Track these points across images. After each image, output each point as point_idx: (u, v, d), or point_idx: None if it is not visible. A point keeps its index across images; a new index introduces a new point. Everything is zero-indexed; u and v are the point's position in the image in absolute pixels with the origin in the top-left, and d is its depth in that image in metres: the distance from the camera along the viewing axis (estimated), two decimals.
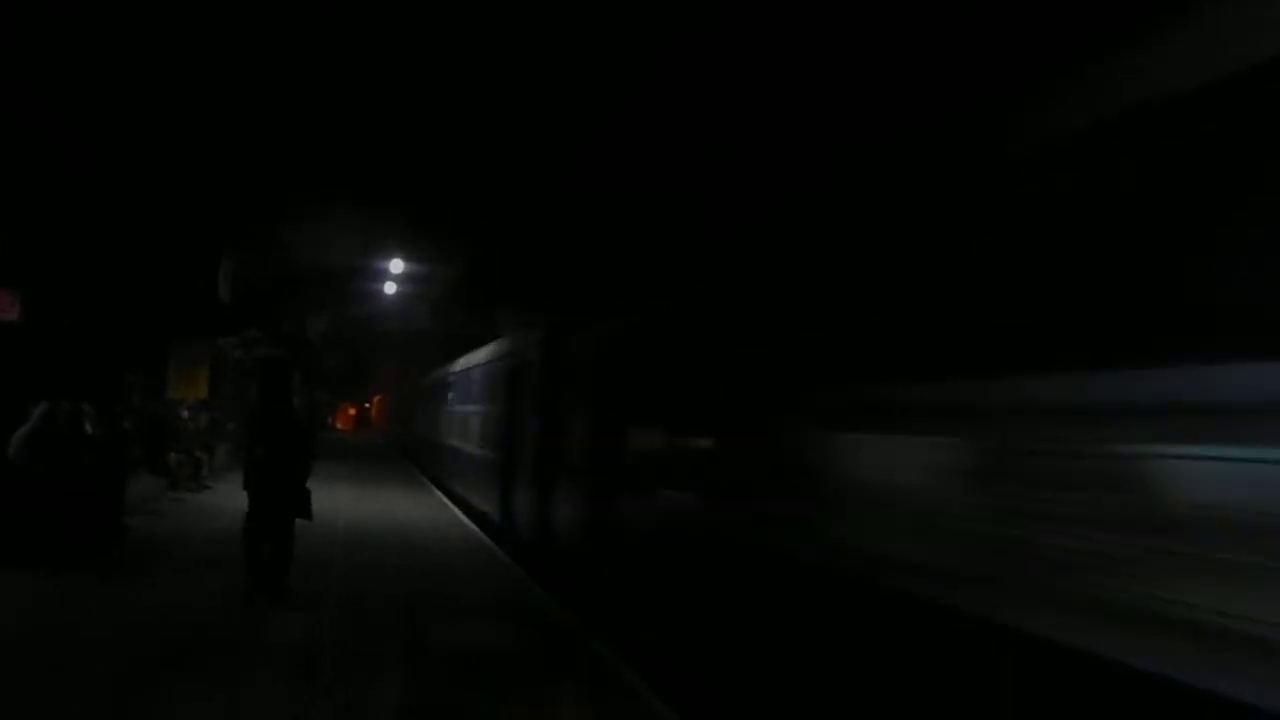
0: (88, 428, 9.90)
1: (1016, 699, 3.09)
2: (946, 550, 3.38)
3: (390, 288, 25.16)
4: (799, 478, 4.49)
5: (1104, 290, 2.85)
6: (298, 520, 7.63)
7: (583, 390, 8.70)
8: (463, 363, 17.78)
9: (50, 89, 9.82)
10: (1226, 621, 2.36)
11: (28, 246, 11.70)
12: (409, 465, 25.87)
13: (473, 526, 13.25)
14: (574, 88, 9.96)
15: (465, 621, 7.19)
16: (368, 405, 62.54)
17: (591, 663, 6.22)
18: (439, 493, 18.19)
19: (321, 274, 22.48)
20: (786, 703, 4.46)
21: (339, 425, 59.27)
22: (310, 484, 7.74)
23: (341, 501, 14.45)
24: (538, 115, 10.82)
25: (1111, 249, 2.85)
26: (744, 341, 5.26)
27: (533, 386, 10.67)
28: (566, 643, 6.72)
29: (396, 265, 21.82)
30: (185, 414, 16.02)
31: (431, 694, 5.29)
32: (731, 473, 5.26)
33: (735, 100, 9.26)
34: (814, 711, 4.22)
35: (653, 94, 9.60)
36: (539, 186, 13.26)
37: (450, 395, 18.96)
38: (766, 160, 9.79)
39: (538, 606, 8.05)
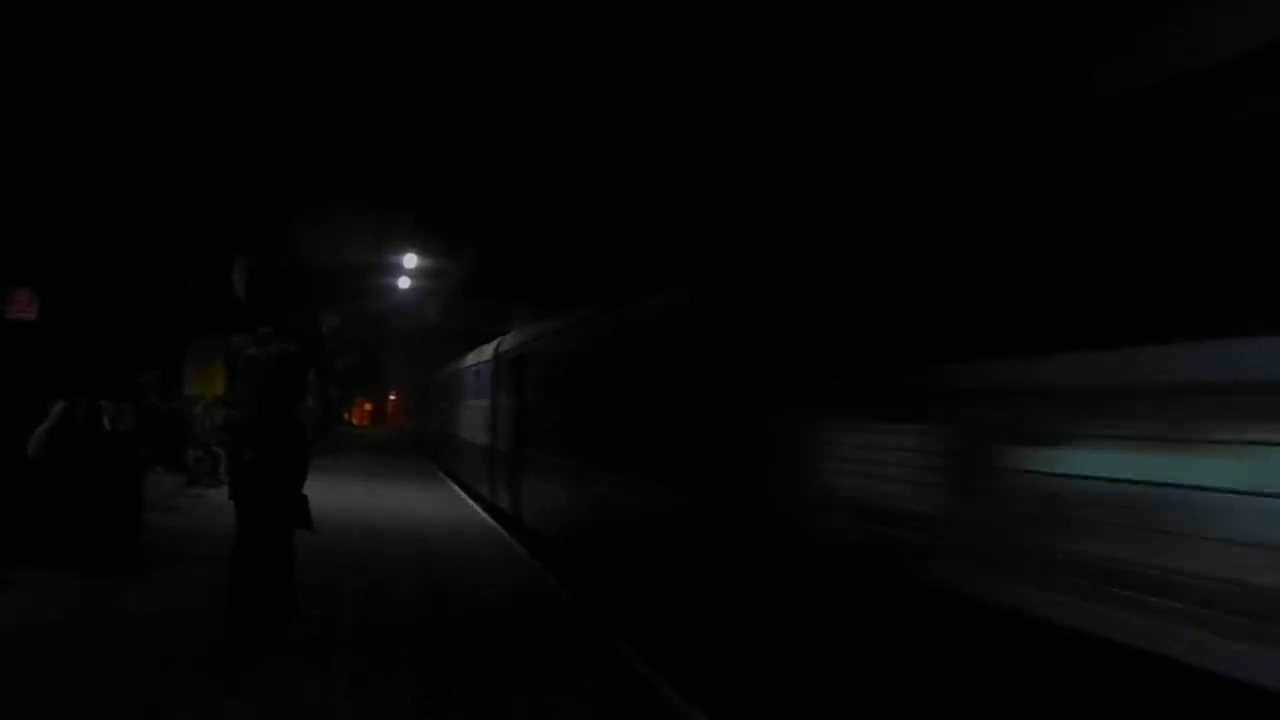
0: (106, 424, 10.02)
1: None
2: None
3: (403, 283, 25.22)
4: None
5: None
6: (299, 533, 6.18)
7: (520, 386, 11.46)
8: (467, 359, 18.13)
9: (63, 91, 9.92)
10: None
11: (44, 247, 11.84)
12: (424, 460, 25.91)
13: (487, 518, 13.34)
14: (582, 79, 9.99)
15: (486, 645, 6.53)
16: (392, 398, 62.98)
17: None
18: (455, 486, 18.28)
19: (334, 270, 22.58)
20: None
21: (354, 421, 59.85)
22: (319, 484, 6.99)
23: (354, 497, 14.55)
24: (547, 106, 10.86)
25: None
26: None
27: (507, 383, 12.62)
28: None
29: (409, 260, 21.88)
30: (199, 410, 16.17)
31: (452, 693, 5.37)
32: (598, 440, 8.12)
33: (741, 87, 9.26)
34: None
35: (656, 84, 9.61)
36: (549, 178, 13.30)
37: (453, 390, 19.87)
38: (763, 150, 9.78)
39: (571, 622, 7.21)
